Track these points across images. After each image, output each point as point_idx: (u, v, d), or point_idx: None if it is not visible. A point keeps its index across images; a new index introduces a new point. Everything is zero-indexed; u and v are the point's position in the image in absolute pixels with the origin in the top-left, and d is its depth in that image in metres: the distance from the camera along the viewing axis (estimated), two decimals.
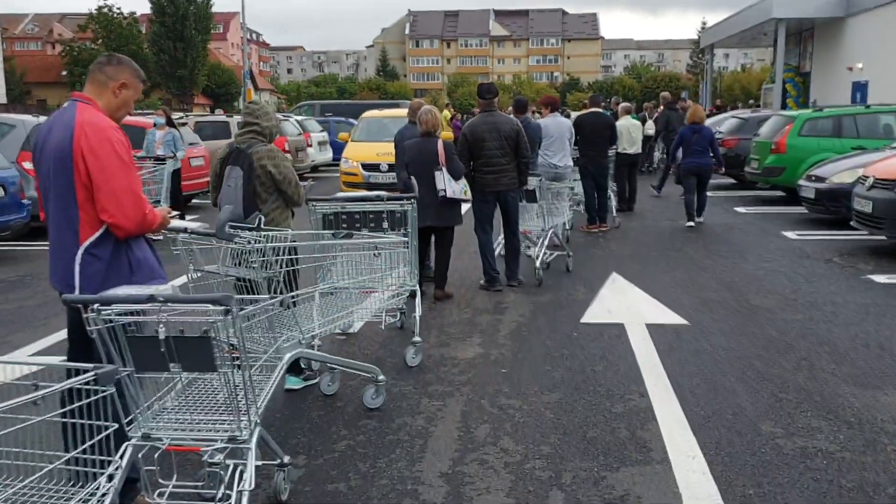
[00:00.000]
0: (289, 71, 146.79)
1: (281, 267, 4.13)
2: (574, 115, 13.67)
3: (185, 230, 3.77)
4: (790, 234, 10.92)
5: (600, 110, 11.79)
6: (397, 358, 5.67)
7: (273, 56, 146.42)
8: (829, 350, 5.74)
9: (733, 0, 35.35)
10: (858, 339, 6.01)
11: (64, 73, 69.74)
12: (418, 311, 5.64)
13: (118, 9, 69.06)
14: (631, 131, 13.24)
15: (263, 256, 4.02)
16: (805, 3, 27.25)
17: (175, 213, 3.80)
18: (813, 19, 28.46)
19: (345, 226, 5.42)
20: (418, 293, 5.65)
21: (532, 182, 8.16)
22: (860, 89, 25.34)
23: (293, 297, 4.53)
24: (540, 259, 8.10)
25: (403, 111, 14.94)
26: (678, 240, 10.62)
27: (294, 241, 4.56)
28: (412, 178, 6.88)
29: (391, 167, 11.93)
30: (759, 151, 14.69)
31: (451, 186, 7.09)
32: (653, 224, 12.14)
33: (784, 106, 28.70)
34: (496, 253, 8.26)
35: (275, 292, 4.14)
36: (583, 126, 10.92)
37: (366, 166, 14.09)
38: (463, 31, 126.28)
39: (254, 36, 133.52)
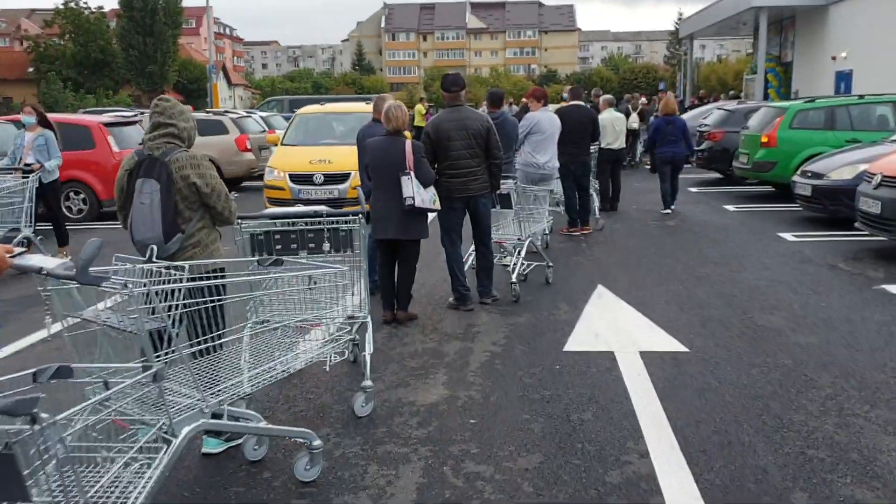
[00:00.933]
0: (263, 66, 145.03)
1: (178, 313, 3.16)
2: (551, 108, 12.76)
3: (38, 270, 2.81)
4: (787, 236, 10.08)
5: (582, 103, 10.88)
6: (345, 404, 4.73)
7: (247, 51, 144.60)
8: (856, 385, 4.86)
9: None
10: (888, 369, 5.13)
11: (30, 69, 68.09)
12: (369, 349, 4.70)
13: (85, 3, 67.52)
14: (615, 125, 12.35)
15: (151, 303, 3.05)
16: None
17: (20, 249, 2.82)
18: (794, 7, 27.72)
19: (278, 248, 4.46)
20: (369, 326, 4.71)
21: (507, 185, 7.24)
22: (844, 79, 24.64)
23: (204, 344, 3.57)
24: (516, 272, 7.18)
25: (358, 106, 13.52)
26: (668, 244, 9.74)
27: (201, 277, 3.61)
28: (362, 188, 5.95)
29: (330, 179, 10.78)
30: (748, 145, 13.87)
31: (419, 194, 6.14)
32: (639, 225, 11.26)
33: (766, 97, 27.98)
34: (466, 266, 7.34)
35: (170, 345, 3.17)
36: (563, 121, 9.96)
37: (295, 178, 10.95)
38: (439, 23, 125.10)
39: (227, 31, 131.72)
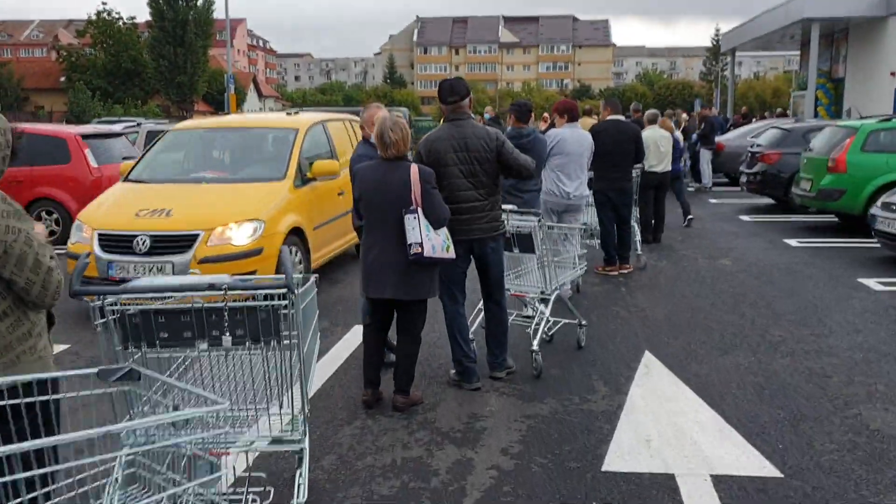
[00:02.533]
0: (296, 78, 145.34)
1: None
2: (589, 123, 11.10)
3: None
4: (870, 283, 8.30)
5: (621, 118, 9.21)
6: None
7: (280, 63, 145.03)
8: None
9: (745, 7, 33.00)
10: None
11: (62, 79, 68.31)
12: (301, 479, 3.10)
13: (117, 13, 67.62)
14: (659, 144, 10.65)
15: None
16: (839, 3, 24.63)
17: None
18: (849, 19, 25.81)
19: (164, 336, 2.87)
20: (306, 452, 3.11)
21: (527, 223, 5.60)
22: None
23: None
24: (539, 336, 5.53)
25: (267, 119, 10.01)
26: (727, 291, 8.01)
27: None
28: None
29: (163, 244, 6.67)
30: (811, 170, 12.07)
31: (429, 239, 4.54)
32: (688, 263, 9.54)
33: (815, 115, 26.05)
34: (473, 327, 5.70)
35: None
36: (599, 139, 8.33)
37: (106, 241, 6.83)
38: (472, 37, 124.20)
39: (261, 43, 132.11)
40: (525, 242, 5.61)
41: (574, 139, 7.64)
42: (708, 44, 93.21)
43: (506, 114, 6.94)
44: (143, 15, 64.49)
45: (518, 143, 6.01)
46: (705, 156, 18.42)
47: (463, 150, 4.97)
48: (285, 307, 2.86)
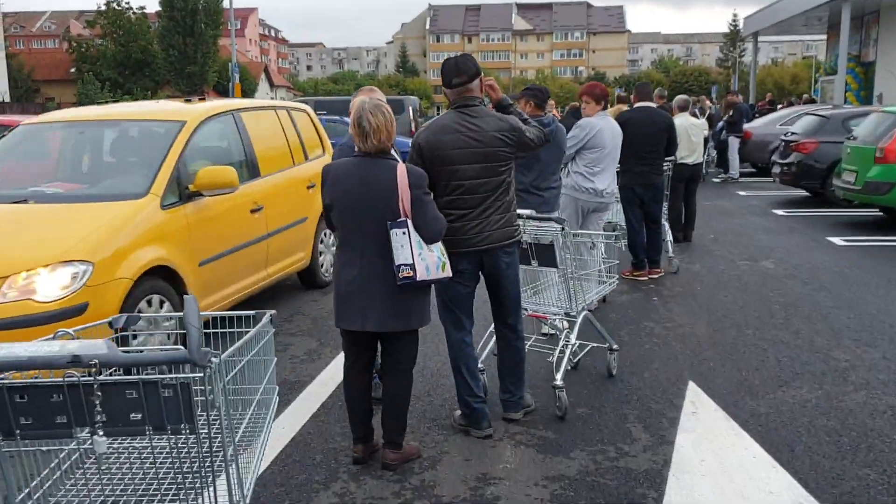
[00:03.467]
0: (308, 68, 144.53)
1: None
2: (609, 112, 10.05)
3: None
4: None
5: (652, 105, 8.21)
6: None
7: (292, 53, 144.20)
8: None
9: None
10: None
11: (72, 69, 68.00)
12: None
13: (127, 3, 67.10)
14: (691, 134, 9.64)
15: None
16: None
17: None
18: (879, 1, 24.58)
19: (25, 422, 1.95)
20: None
21: (548, 231, 4.64)
22: None
23: None
24: (563, 368, 4.58)
25: (144, 110, 6.87)
26: (774, 300, 7.02)
27: None
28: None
29: None
30: (855, 161, 11.02)
31: (422, 259, 3.61)
32: (725, 265, 8.55)
33: (845, 101, 24.85)
34: (483, 356, 4.76)
35: None
36: (628, 129, 7.34)
37: None
38: (485, 25, 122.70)
39: (272, 32, 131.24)
40: (546, 254, 4.66)
41: (610, 131, 6.67)
42: (724, 29, 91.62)
43: (516, 100, 5.96)
44: (153, 5, 64.12)
45: None
46: (733, 144, 17.37)
47: (474, 144, 4.01)
48: (198, 383, 1.93)
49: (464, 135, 4.01)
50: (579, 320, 4.74)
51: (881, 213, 11.59)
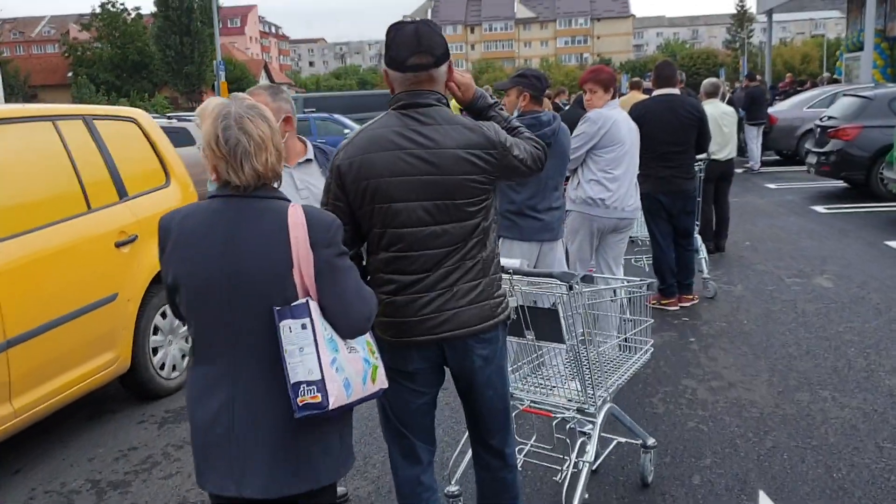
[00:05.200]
0: (311, 64, 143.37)
1: None
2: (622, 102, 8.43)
3: None
4: None
5: (676, 91, 6.59)
6: None
7: (294, 49, 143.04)
8: None
9: None
10: None
11: (70, 73, 67.27)
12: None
13: (121, 4, 66.29)
14: (722, 124, 8.04)
15: None
16: None
17: None
18: None
19: None
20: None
21: (549, 291, 3.06)
22: None
23: None
24: (582, 486, 3.02)
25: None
26: (849, 339, 5.44)
27: None
28: None
29: None
30: None
31: (337, 370, 2.04)
32: (774, 286, 6.97)
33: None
34: (457, 474, 3.20)
35: None
36: (646, 122, 5.78)
37: None
38: (487, 14, 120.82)
39: (273, 29, 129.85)
40: (546, 323, 3.08)
41: (626, 123, 5.10)
42: (731, 10, 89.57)
43: (504, 91, 4.40)
44: (149, 5, 63.35)
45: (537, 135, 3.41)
46: (750, 132, 15.68)
47: (427, 171, 2.47)
48: None
49: (411, 154, 2.45)
50: (600, 419, 3.18)
51: None
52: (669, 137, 6.11)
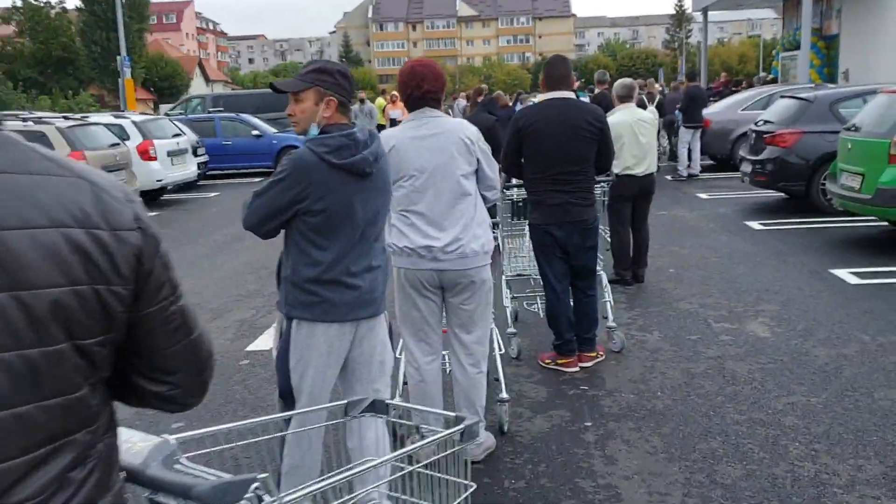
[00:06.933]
0: (250, 61, 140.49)
1: None
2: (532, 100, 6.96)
3: None
4: None
5: (569, 95, 5.12)
6: None
7: (233, 46, 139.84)
8: None
9: None
10: None
11: None
12: None
13: None
14: (639, 133, 6.64)
15: None
16: None
17: None
18: None
19: None
20: None
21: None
22: None
23: None
24: None
25: None
26: (803, 431, 4.10)
27: None
28: None
29: None
30: (859, 159, 8.17)
31: None
32: (703, 333, 5.61)
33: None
34: None
35: None
36: (534, 134, 4.37)
37: None
38: (429, 12, 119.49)
39: (211, 25, 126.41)
40: None
41: (420, 142, 3.63)
42: (670, 10, 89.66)
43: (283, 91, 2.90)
44: (73, 2, 60.87)
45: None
46: (684, 136, 14.46)
47: None
48: None
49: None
50: None
51: (893, 226, 8.83)
52: (563, 155, 4.69)
